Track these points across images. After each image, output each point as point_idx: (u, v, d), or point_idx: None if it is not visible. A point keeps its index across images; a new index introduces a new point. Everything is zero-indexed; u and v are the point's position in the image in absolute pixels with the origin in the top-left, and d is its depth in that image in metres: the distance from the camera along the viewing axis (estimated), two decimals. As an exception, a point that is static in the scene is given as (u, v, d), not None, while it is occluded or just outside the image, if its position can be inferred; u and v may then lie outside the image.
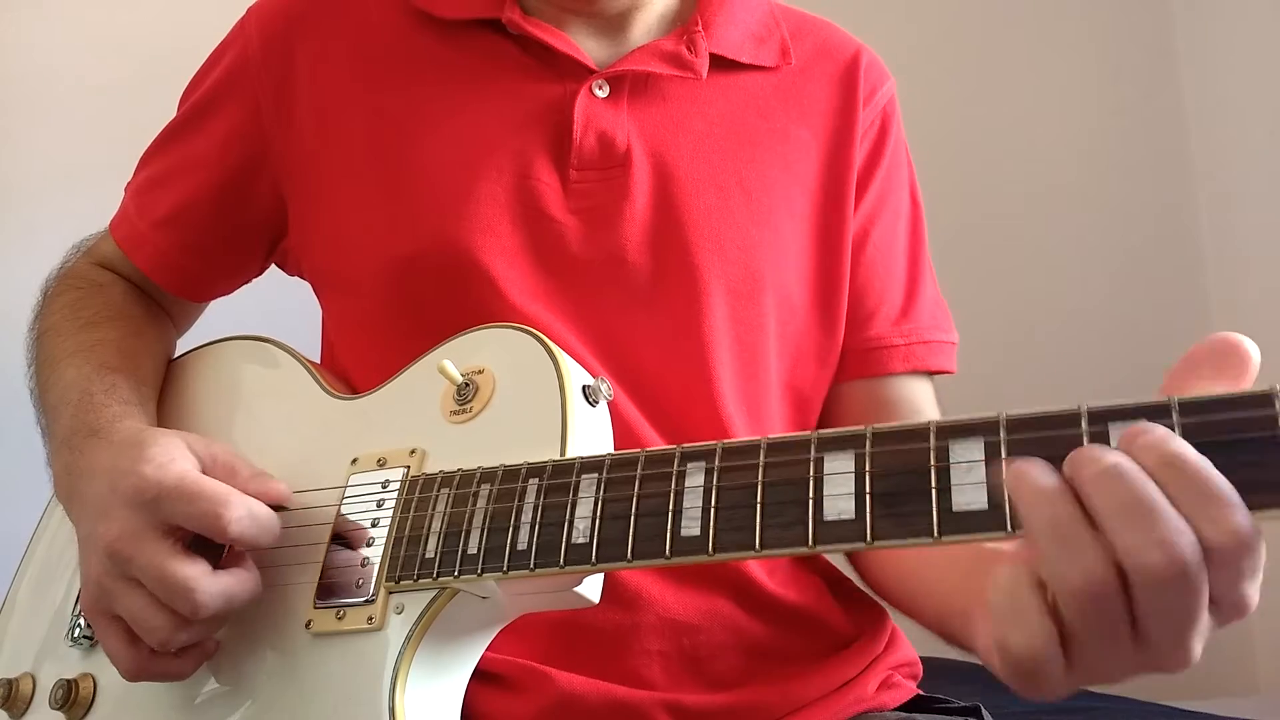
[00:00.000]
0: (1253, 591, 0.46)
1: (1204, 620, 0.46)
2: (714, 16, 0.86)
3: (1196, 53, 2.06)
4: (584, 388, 0.67)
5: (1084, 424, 0.48)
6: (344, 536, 0.67)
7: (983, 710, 0.85)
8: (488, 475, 0.64)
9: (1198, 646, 0.47)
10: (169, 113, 0.93)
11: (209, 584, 0.63)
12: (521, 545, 0.60)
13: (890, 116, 0.91)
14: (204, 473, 0.67)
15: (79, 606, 0.75)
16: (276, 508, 0.67)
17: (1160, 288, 2.02)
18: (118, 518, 0.65)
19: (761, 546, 0.53)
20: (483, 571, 0.61)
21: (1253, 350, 0.49)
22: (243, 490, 0.66)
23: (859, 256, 0.87)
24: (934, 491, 0.50)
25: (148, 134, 0.94)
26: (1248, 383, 0.48)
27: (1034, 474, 0.46)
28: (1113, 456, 0.45)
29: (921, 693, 0.86)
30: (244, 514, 0.64)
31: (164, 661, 0.66)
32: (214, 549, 0.65)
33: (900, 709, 0.83)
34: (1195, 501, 0.44)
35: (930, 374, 0.90)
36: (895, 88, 0.93)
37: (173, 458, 0.66)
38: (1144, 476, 0.45)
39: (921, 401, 0.88)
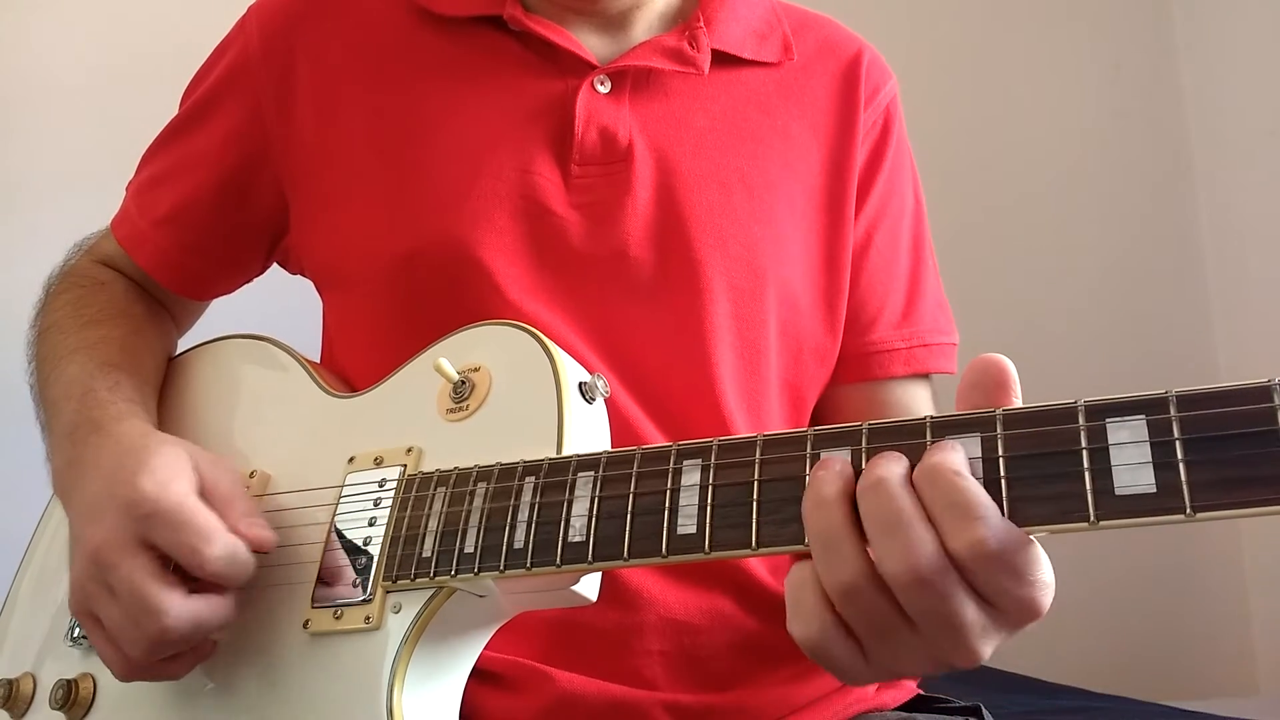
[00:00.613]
0: (1034, 595, 0.49)
1: (974, 621, 0.49)
2: (716, 12, 0.86)
3: (1196, 53, 2.06)
4: (580, 384, 0.67)
5: (1081, 419, 0.48)
6: (341, 536, 0.67)
7: (983, 710, 0.85)
8: (484, 474, 0.63)
9: (984, 646, 0.50)
10: (170, 111, 0.93)
11: (179, 610, 0.63)
12: (518, 544, 0.60)
13: (892, 116, 0.91)
14: (202, 495, 0.67)
15: (76, 606, 0.75)
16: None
17: (1160, 288, 2.02)
18: (106, 524, 0.65)
19: (758, 544, 0.53)
20: (480, 570, 0.61)
21: (1009, 365, 0.52)
22: (232, 528, 0.65)
23: (861, 261, 0.87)
24: (931, 488, 0.50)
25: (149, 133, 0.94)
26: (1014, 397, 0.52)
27: (818, 481, 0.51)
28: (879, 470, 0.50)
29: (922, 692, 0.86)
30: (223, 554, 0.63)
31: (154, 665, 0.66)
32: None
33: (900, 708, 0.83)
34: (941, 513, 0.48)
35: (929, 375, 0.90)
36: (897, 87, 0.92)
37: (174, 475, 0.66)
38: (902, 491, 0.49)
39: (919, 404, 0.89)
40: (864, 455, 0.52)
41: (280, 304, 1.10)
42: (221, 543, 0.64)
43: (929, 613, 0.49)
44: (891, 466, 0.50)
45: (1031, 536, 0.49)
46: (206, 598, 0.64)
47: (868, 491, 0.50)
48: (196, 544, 0.63)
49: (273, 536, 0.68)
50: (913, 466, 0.50)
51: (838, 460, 0.52)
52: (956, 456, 0.49)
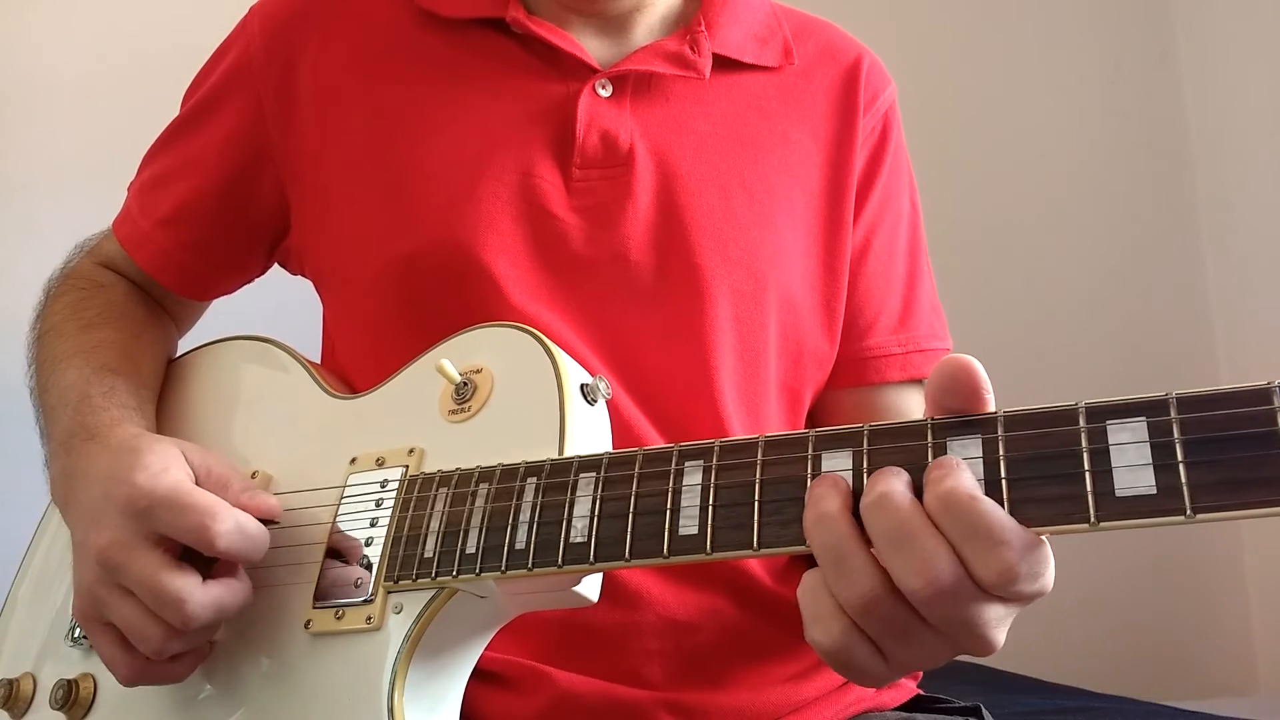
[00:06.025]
0: (1046, 583, 0.49)
1: (994, 617, 0.49)
2: (717, 17, 0.86)
3: (1196, 53, 2.06)
4: (582, 386, 0.67)
5: (1082, 421, 0.48)
6: (342, 536, 0.68)
7: (983, 710, 0.85)
8: (486, 474, 0.64)
9: (1001, 635, 0.51)
10: (171, 111, 0.93)
11: (200, 595, 0.63)
12: (519, 545, 0.60)
13: (891, 122, 0.91)
14: (197, 484, 0.67)
15: (76, 610, 0.75)
16: (268, 521, 0.67)
17: (1160, 288, 2.02)
18: (110, 526, 0.65)
19: (759, 545, 0.53)
20: (481, 571, 0.61)
21: (979, 368, 0.52)
22: (233, 503, 0.66)
23: (860, 267, 0.87)
24: (932, 489, 0.50)
25: (149, 133, 0.94)
26: (988, 401, 0.51)
27: (816, 498, 0.51)
28: (882, 485, 0.49)
29: (922, 692, 0.86)
30: (232, 527, 0.64)
31: (160, 666, 0.66)
32: (205, 558, 0.65)
33: (900, 709, 0.83)
34: (964, 542, 0.48)
35: (922, 381, 0.91)
36: (896, 92, 0.93)
37: (167, 467, 0.66)
38: (908, 507, 0.49)
39: (913, 409, 0.89)
40: (865, 457, 0.52)
41: (280, 304, 1.10)
42: (227, 515, 0.64)
43: (950, 618, 0.49)
44: (892, 481, 0.50)
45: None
46: (224, 581, 0.65)
47: (872, 508, 0.49)
48: (204, 521, 0.63)
49: (276, 504, 0.68)
50: (912, 476, 0.50)
51: (832, 475, 0.52)
52: (967, 479, 0.49)
